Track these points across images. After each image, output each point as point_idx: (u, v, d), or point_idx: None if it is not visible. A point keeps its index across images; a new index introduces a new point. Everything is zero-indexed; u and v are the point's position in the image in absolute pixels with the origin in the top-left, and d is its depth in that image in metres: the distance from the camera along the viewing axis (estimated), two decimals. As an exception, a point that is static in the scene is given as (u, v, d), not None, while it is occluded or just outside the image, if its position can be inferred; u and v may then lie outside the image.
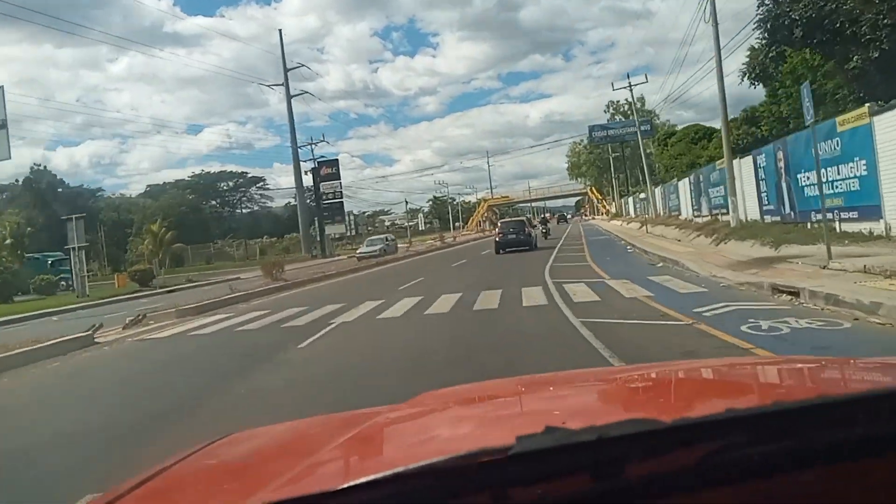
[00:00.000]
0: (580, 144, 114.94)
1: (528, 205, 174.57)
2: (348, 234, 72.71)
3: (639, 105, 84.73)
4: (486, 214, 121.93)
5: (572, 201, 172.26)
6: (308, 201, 54.64)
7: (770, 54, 17.50)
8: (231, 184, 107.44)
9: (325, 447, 1.24)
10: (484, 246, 37.11)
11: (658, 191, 38.40)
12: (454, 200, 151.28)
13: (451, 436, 1.31)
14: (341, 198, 53.41)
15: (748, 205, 19.54)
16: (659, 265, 14.53)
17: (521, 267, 18.57)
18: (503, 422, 1.39)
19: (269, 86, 60.44)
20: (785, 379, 1.63)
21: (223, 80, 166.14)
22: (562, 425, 0.70)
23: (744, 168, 19.67)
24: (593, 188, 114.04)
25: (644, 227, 34.01)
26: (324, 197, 52.28)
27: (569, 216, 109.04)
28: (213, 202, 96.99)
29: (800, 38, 16.76)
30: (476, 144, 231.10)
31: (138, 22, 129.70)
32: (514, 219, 36.33)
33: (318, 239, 52.94)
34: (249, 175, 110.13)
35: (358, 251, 39.89)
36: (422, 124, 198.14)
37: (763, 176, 17.75)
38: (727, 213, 21.27)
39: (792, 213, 15.67)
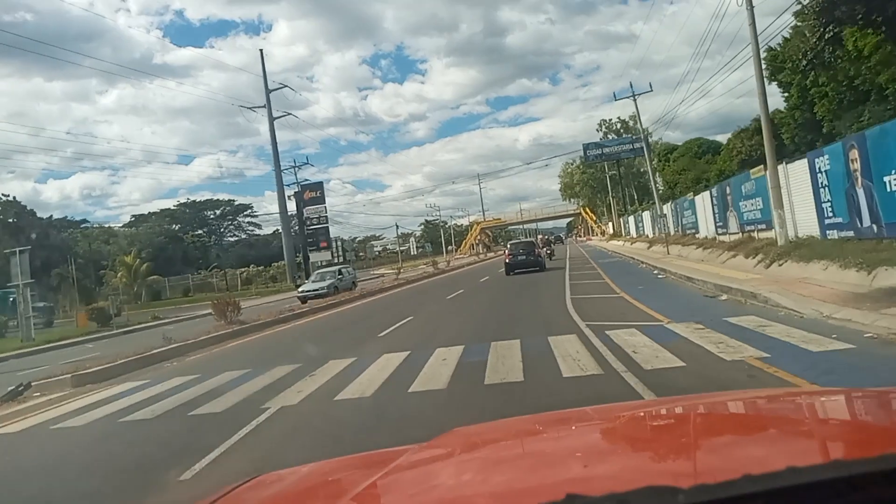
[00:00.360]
0: (572, 164, 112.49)
1: (521, 227, 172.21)
2: (336, 260, 69.33)
3: (631, 124, 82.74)
4: (478, 237, 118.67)
5: (564, 223, 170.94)
6: (293, 228, 51.22)
7: (826, 36, 14.40)
8: (218, 212, 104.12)
9: (347, 493, 1.29)
10: (480, 272, 33.71)
11: (668, 208, 35.19)
12: (446, 224, 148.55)
13: (469, 491, 1.25)
14: (326, 223, 49.86)
15: (799, 218, 16.25)
16: (722, 298, 11.11)
17: (534, 298, 15.13)
18: (525, 474, 1.30)
19: (251, 108, 57.17)
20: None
21: (213, 110, 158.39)
22: (583, 491, 0.71)
23: (792, 176, 16.39)
24: (587, 208, 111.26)
25: (659, 247, 30.82)
26: (308, 222, 48.75)
27: (564, 237, 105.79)
28: (200, 231, 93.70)
29: (862, 14, 13.71)
30: (466, 168, 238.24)
31: (128, 54, 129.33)
32: (523, 240, 34.78)
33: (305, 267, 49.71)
34: (237, 203, 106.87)
35: (299, 289, 31.67)
36: (412, 150, 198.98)
37: (825, 182, 14.43)
38: (765, 229, 18.01)
39: (874, 227, 12.34)
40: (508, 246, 29.89)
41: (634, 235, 52.81)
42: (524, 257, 26.21)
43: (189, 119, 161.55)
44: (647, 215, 46.39)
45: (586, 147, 68.14)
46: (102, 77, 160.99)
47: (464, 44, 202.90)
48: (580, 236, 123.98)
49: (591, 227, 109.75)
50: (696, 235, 27.14)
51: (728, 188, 21.82)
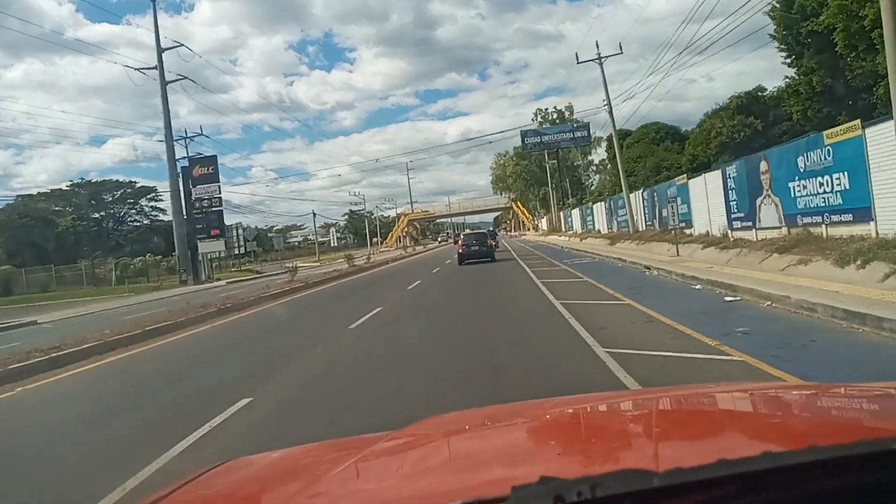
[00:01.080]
0: (505, 156, 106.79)
1: (448, 220, 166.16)
2: (237, 251, 59.72)
3: (567, 115, 77.23)
4: (405, 229, 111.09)
5: (491, 217, 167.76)
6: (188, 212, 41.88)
7: None
8: (117, 195, 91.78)
9: (319, 479, 1.25)
10: (410, 271, 26.30)
11: (636, 197, 28.92)
12: (372, 214, 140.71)
13: (443, 476, 1.23)
14: (220, 205, 40.51)
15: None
16: None
17: (514, 326, 8.00)
18: (500, 460, 1.28)
19: (139, 69, 47.01)
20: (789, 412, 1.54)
21: (129, 89, 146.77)
22: (556, 473, 0.72)
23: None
24: (518, 202, 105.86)
25: (629, 244, 24.43)
26: (198, 205, 39.84)
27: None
28: (97, 215, 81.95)
29: None
30: (394, 160, 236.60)
31: (37, 28, 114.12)
32: (476, 231, 35.01)
33: (202, 259, 40.43)
34: (139, 185, 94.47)
35: None
36: (339, 139, 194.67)
37: None
38: (850, 220, 11.68)
39: None
40: (462, 237, 29.56)
41: (579, 230, 46.81)
42: (477, 248, 26.05)
43: (102, 98, 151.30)
44: (598, 208, 40.29)
45: (524, 134, 61.80)
46: (8, 50, 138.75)
47: (394, 34, 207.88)
48: (509, 231, 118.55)
49: (523, 221, 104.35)
50: (689, 231, 20.76)
51: (764, 163, 15.29)
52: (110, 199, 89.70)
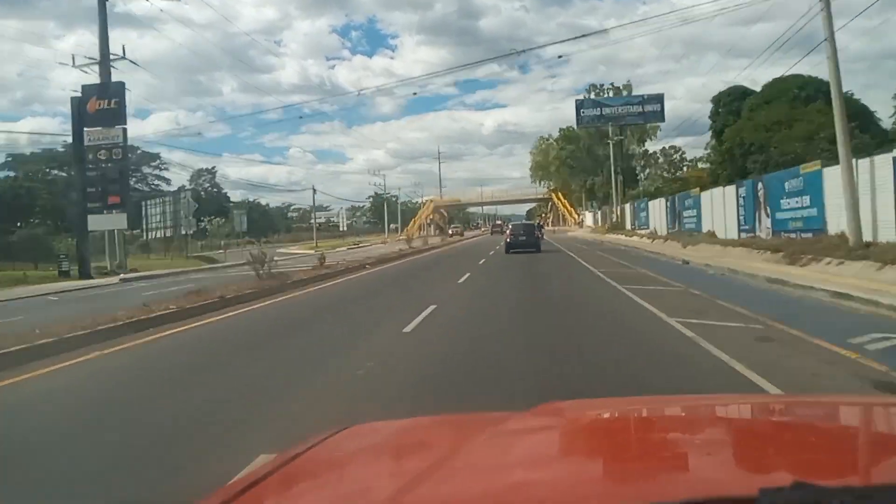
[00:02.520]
0: (547, 141, 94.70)
1: (479, 208, 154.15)
2: (162, 234, 47.18)
3: (625, 94, 64.67)
4: (431, 217, 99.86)
5: (524, 209, 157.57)
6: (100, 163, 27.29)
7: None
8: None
9: (456, 451, 1.21)
10: (432, 283, 15.19)
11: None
12: (396, 199, 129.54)
13: (588, 468, 1.18)
14: (125, 159, 27.35)
15: None
16: None
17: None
18: (644, 458, 1.21)
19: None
20: None
21: (175, 64, 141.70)
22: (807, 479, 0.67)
23: None
24: (559, 192, 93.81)
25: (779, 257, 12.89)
26: (92, 157, 26.57)
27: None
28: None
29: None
30: (430, 148, 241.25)
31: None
32: (524, 222, 37.78)
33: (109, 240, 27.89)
34: (140, 150, 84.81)
35: None
36: (377, 124, 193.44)
37: None
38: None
39: None
40: (511, 226, 31.04)
41: (659, 230, 35.15)
42: (524, 238, 26.84)
43: (149, 72, 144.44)
44: (657, 205, 28.83)
45: (580, 105, 49.87)
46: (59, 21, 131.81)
47: (437, 22, 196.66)
48: (547, 226, 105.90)
49: (564, 215, 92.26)
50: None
51: None
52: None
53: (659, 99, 48.82)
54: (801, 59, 66.06)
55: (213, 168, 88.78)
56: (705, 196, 25.41)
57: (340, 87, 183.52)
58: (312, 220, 72.18)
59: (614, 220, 49.96)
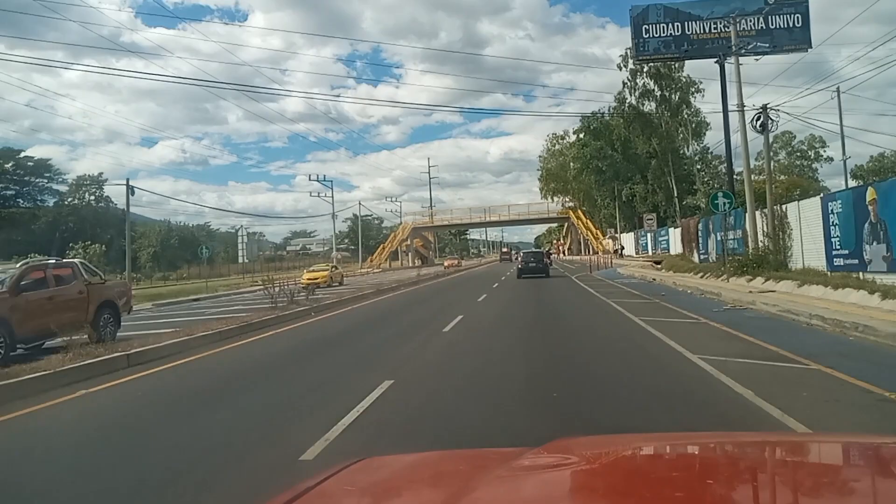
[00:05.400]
0: (562, 139, 70.14)
1: (482, 235, 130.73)
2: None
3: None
4: (410, 242, 74.98)
5: (530, 233, 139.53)
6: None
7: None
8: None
9: (469, 490, 1.18)
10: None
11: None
12: (381, 222, 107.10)
13: None
14: None
15: None
16: None
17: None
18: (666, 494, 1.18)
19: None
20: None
21: (181, 93, 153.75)
22: None
23: None
24: (579, 211, 68.81)
25: None
26: None
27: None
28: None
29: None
30: (437, 177, 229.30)
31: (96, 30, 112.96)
32: (534, 250, 37.60)
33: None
34: (34, 159, 61.64)
35: None
36: (382, 153, 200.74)
37: None
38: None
39: None
40: (522, 254, 32.71)
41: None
42: (534, 264, 28.03)
43: (155, 101, 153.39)
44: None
45: (640, 17, 25.81)
46: (69, 50, 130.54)
47: (442, 52, 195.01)
48: (561, 254, 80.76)
49: (588, 238, 67.20)
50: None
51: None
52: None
53: (799, 4, 24.02)
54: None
55: (101, 175, 64.62)
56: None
57: (345, 116, 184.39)
58: (240, 245, 46.44)
59: (679, 247, 24.65)
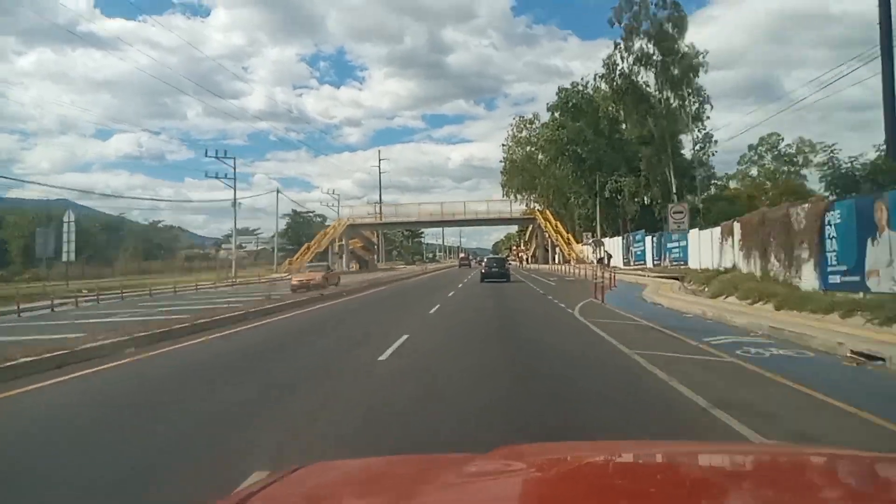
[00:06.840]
0: (530, 123, 58.44)
1: (439, 240, 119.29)
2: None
3: None
4: (342, 243, 61.81)
5: (488, 240, 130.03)
6: None
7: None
8: None
9: (412, 497, 1.20)
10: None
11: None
12: (323, 219, 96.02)
13: None
14: None
15: None
16: None
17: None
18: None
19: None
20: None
21: (139, 86, 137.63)
22: None
23: None
24: (547, 212, 57.23)
25: None
26: None
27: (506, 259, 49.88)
28: None
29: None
30: (398, 180, 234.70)
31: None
32: (496, 256, 40.61)
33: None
34: None
35: None
36: (344, 154, 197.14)
37: None
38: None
39: None
40: (485, 260, 36.08)
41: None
42: (496, 269, 30.41)
43: (111, 93, 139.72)
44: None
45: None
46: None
47: (406, 56, 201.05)
48: (524, 261, 68.76)
49: (556, 242, 55.31)
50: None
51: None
52: None
53: None
54: None
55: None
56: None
57: (307, 116, 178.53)
58: (65, 237, 31.06)
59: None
